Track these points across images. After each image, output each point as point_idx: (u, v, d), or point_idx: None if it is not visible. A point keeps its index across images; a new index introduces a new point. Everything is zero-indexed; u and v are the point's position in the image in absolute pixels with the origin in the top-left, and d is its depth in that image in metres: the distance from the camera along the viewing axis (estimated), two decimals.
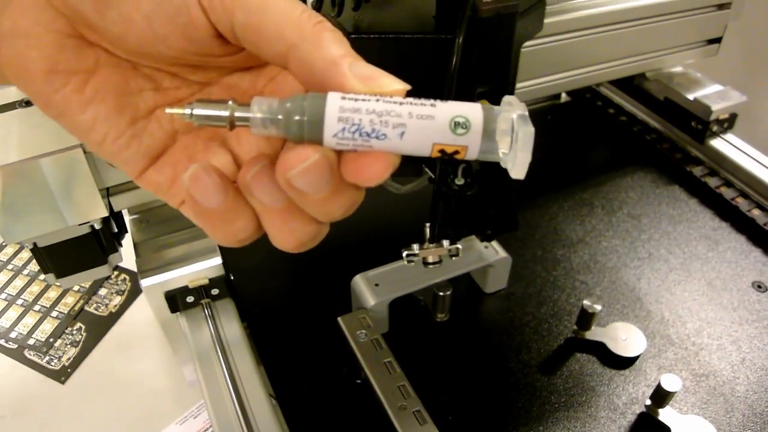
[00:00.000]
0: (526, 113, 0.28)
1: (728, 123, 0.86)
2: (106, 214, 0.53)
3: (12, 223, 0.50)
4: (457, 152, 0.28)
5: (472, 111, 0.28)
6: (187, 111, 0.28)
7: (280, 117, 0.27)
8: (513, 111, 0.28)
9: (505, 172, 0.57)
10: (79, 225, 0.54)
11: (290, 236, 0.30)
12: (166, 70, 0.32)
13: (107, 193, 0.55)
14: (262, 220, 0.30)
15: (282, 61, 0.28)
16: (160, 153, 0.32)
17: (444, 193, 0.52)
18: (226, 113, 0.28)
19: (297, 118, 0.27)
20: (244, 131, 0.32)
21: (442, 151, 0.28)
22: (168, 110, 0.29)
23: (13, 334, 0.79)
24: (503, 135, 0.28)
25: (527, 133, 0.27)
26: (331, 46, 0.27)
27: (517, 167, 0.28)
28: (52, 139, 0.50)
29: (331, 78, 0.27)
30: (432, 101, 0.28)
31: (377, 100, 0.27)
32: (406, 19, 0.52)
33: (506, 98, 0.29)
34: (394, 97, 0.27)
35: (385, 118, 0.27)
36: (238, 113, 0.28)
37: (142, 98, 0.31)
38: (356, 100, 0.27)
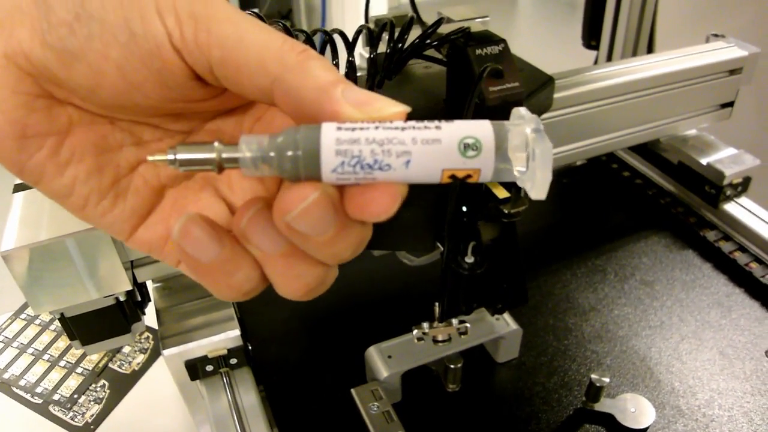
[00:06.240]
0: (541, 126, 0.26)
1: (742, 187, 0.86)
2: (129, 287, 0.56)
3: (40, 295, 0.53)
4: (469, 176, 0.26)
5: (482, 130, 0.25)
6: (170, 156, 0.26)
7: (272, 154, 0.25)
8: (526, 125, 0.26)
9: (515, 246, 0.58)
10: (104, 297, 0.56)
11: (296, 282, 0.28)
12: (145, 122, 0.30)
13: (131, 265, 0.58)
14: (265, 268, 0.28)
15: (267, 97, 0.26)
16: (148, 211, 0.30)
17: (454, 271, 0.54)
18: (212, 155, 0.26)
19: (290, 153, 0.25)
20: (235, 176, 0.31)
21: (452, 177, 0.26)
22: (150, 158, 0.27)
23: (39, 389, 0.81)
24: (517, 152, 0.26)
25: (545, 149, 0.25)
26: (320, 73, 0.26)
27: (537, 187, 0.26)
28: None
29: (323, 107, 0.25)
30: (436, 123, 0.25)
31: (376, 128, 0.25)
32: (421, 99, 0.54)
33: (516, 110, 0.27)
34: (394, 122, 0.25)
35: (387, 146, 0.25)
36: (225, 154, 0.26)
37: (123, 154, 0.29)
38: (353, 129, 0.25)
